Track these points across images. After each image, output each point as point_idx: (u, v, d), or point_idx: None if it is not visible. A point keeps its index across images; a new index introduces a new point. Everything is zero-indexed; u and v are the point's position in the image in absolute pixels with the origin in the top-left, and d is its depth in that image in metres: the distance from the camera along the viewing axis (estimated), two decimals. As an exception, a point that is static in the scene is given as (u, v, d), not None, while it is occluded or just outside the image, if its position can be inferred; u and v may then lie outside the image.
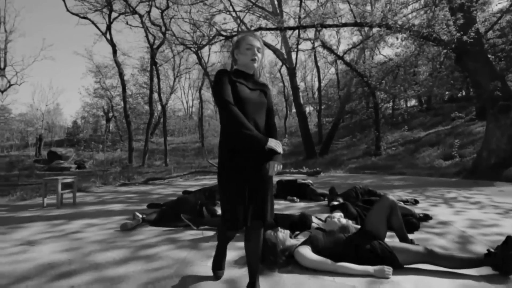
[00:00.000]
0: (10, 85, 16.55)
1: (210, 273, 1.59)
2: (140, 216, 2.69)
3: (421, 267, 1.56)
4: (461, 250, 1.86)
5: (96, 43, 32.52)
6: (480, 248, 1.83)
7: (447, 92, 15.48)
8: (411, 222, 2.27)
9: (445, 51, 6.96)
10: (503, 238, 1.52)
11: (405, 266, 1.55)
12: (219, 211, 2.66)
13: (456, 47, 6.36)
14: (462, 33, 5.87)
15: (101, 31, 15.56)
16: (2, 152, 19.71)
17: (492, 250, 1.51)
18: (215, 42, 8.78)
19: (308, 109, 34.31)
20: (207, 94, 30.64)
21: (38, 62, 52.91)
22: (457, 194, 4.10)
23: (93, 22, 15.26)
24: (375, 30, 9.04)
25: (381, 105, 14.68)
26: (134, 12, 14.02)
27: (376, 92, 12.88)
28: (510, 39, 6.19)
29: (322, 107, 23.10)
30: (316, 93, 22.92)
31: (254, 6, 12.62)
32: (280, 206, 3.44)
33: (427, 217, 2.60)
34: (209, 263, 1.72)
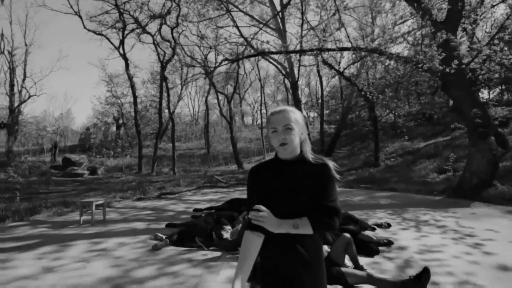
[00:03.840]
0: (30, 96, 17.69)
1: (219, 287, 2.30)
2: (164, 237, 3.44)
3: (365, 287, 2.25)
4: (400, 272, 2.54)
5: (109, 56, 34.07)
6: (413, 272, 2.51)
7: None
8: (372, 249, 2.95)
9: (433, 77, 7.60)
10: (438, 262, 2.17)
11: (354, 285, 2.24)
12: (225, 235, 3.39)
13: (442, 76, 6.99)
14: (444, 66, 6.50)
15: (114, 46, 16.60)
16: (20, 158, 20.87)
17: (412, 277, 2.19)
18: (223, 65, 9.57)
19: (312, 114, 35.10)
20: (213, 101, 31.60)
21: (54, 72, 55.42)
22: (431, 216, 4.73)
23: (107, 38, 16.30)
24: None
25: (380, 118, 15.28)
26: (144, 31, 14.97)
27: (376, 105, 13.48)
28: (490, 68, 6.79)
29: (327, 111, 23.81)
30: (320, 100, 23.65)
31: (264, 26, 13.40)
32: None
33: (389, 243, 3.27)
34: (218, 278, 2.44)
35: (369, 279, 2.19)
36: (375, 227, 3.97)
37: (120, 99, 25.23)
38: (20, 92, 19.67)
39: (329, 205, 1.02)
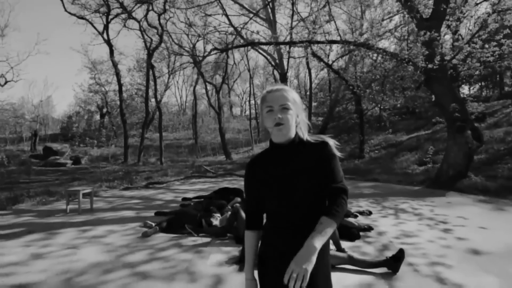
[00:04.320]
0: (6, 82, 16.77)
1: (209, 270, 2.40)
2: (154, 224, 3.49)
3: (346, 267, 2.41)
4: (379, 254, 2.73)
5: (92, 42, 32.39)
6: (390, 254, 2.70)
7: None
8: (353, 233, 3.13)
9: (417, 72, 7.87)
10: (414, 246, 2.37)
11: (336, 266, 2.40)
12: (214, 222, 3.48)
13: (425, 71, 7.26)
14: (427, 62, 6.75)
15: (98, 31, 15.88)
16: (-3, 147, 19.94)
17: (388, 257, 2.38)
18: (212, 55, 9.45)
19: (301, 107, 35.33)
20: (201, 91, 31.14)
21: (32, 57, 52.38)
22: (409, 205, 5.02)
23: (90, 22, 15.56)
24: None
25: (366, 111, 15.66)
26: (130, 16, 14.43)
27: (363, 99, 13.78)
28: (470, 66, 7.12)
29: (315, 104, 24.12)
30: (308, 92, 23.90)
31: (254, 15, 13.21)
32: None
33: (370, 228, 3.48)
34: (208, 262, 2.54)
35: (350, 260, 2.36)
36: (357, 214, 4.18)
37: (104, 86, 24.40)
38: (-5, 77, 18.58)
39: (339, 187, 0.96)
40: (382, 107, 17.33)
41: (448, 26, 7.72)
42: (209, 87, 21.47)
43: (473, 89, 22.10)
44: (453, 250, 2.87)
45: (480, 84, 21.67)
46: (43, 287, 2.16)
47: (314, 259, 0.85)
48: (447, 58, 7.04)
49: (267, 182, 1.00)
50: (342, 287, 2.15)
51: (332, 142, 1.01)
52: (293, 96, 1.02)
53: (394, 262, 2.34)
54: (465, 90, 20.45)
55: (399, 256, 2.36)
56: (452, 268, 2.47)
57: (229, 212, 3.62)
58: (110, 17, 15.26)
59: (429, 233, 3.43)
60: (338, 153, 1.01)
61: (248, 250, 1.04)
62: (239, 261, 2.53)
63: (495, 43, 6.89)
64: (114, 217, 4.18)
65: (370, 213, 4.32)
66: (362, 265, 2.37)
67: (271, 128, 0.99)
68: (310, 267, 0.83)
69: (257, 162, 1.06)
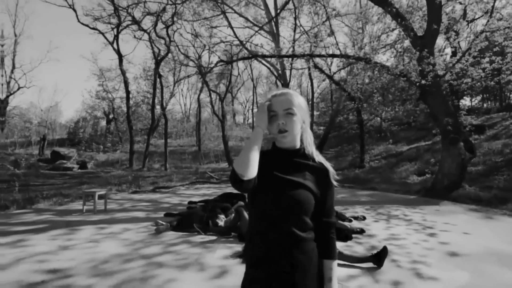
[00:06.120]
0: (19, 88, 17.48)
1: (216, 262, 2.75)
2: (164, 223, 3.85)
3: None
4: (366, 253, 3.06)
5: (102, 51, 33.66)
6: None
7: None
8: (346, 235, 3.46)
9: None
10: (399, 247, 2.71)
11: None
12: (219, 223, 3.83)
13: (420, 86, 7.66)
14: (420, 78, 7.16)
15: (108, 41, 16.60)
16: (6, 150, 20.52)
17: (373, 254, 2.71)
18: (217, 67, 9.96)
19: (303, 116, 35.86)
20: (206, 99, 31.80)
21: (44, 64, 54.37)
22: (401, 212, 5.32)
23: (101, 33, 16.30)
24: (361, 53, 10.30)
25: (366, 121, 16.02)
26: (140, 28, 15.14)
27: (363, 109, 14.16)
28: (462, 81, 7.53)
29: (317, 113, 24.59)
30: (310, 102, 24.44)
31: (259, 29, 13.83)
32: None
33: (362, 231, 3.80)
34: (215, 255, 2.88)
35: (339, 255, 2.69)
36: (352, 219, 4.50)
37: (111, 93, 25.12)
38: (8, 83, 19.34)
39: (331, 222, 1.00)
40: (383, 118, 17.69)
41: (448, 39, 8.11)
42: (213, 95, 22.05)
43: (474, 101, 22.44)
44: (434, 251, 3.18)
45: (482, 96, 22.01)
46: (74, 271, 2.52)
47: None
48: (440, 74, 7.45)
49: (266, 178, 0.95)
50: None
51: (332, 173, 1.01)
52: (298, 100, 0.98)
53: (379, 258, 2.67)
54: (466, 101, 20.77)
55: (383, 252, 2.69)
56: (431, 265, 2.79)
57: (233, 214, 3.98)
58: (120, 28, 15.99)
59: (416, 236, 3.74)
60: (335, 183, 1.02)
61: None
62: (242, 255, 2.87)
63: (486, 60, 7.29)
64: (127, 217, 4.54)
65: (364, 218, 4.63)
66: (350, 260, 2.70)
67: (275, 134, 0.97)
68: None
69: (262, 155, 0.97)
